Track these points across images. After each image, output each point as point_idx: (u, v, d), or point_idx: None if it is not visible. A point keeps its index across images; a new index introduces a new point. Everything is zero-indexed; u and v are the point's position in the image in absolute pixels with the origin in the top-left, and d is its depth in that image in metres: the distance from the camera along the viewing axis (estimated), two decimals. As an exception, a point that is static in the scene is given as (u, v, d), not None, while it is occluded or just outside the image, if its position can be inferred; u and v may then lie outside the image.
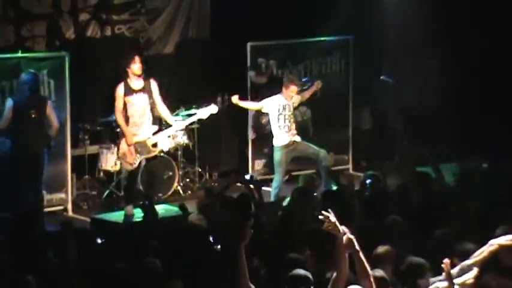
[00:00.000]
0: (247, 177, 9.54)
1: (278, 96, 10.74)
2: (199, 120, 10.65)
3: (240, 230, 5.14)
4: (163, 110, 10.05)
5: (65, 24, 11.71)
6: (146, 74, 9.99)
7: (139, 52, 10.51)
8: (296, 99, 10.88)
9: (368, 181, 9.13)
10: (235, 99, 10.75)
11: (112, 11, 12.07)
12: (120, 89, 9.82)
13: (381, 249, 6.34)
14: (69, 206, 10.72)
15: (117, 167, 10.92)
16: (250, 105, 11.12)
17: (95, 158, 11.20)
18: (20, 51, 10.59)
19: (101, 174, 11.28)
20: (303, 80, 11.68)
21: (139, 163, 10.00)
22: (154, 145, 10.04)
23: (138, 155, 9.93)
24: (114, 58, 10.84)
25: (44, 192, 10.18)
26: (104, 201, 11.03)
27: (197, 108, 11.16)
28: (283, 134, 10.66)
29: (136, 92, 9.87)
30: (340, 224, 5.24)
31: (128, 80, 9.86)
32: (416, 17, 12.30)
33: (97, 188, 11.20)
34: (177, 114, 11.18)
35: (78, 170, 10.96)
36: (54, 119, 9.79)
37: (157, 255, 6.87)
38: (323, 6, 12.17)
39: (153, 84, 9.94)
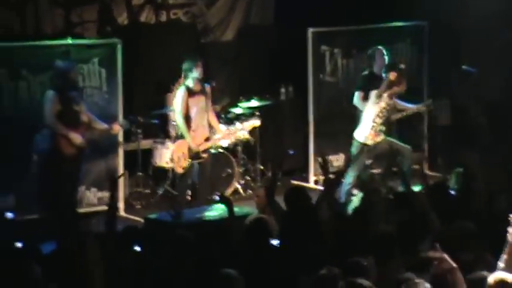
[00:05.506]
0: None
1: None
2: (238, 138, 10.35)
3: None
4: (212, 118, 9.85)
5: (117, 9, 11.43)
6: (204, 68, 9.74)
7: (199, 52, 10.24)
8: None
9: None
10: None
11: (168, -7, 11.78)
12: (182, 91, 9.60)
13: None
14: (121, 205, 10.21)
15: (172, 164, 10.37)
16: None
17: (148, 154, 10.74)
18: (69, 38, 10.13)
19: (155, 171, 10.79)
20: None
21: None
22: (204, 151, 9.72)
23: (190, 159, 9.68)
24: (170, 45, 10.62)
25: (95, 189, 10.02)
26: (158, 200, 10.55)
27: (258, 100, 11.02)
28: (368, 134, 9.91)
29: (196, 94, 9.64)
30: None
31: (187, 82, 9.64)
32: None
33: (150, 186, 10.74)
34: (236, 106, 10.95)
35: (130, 167, 10.49)
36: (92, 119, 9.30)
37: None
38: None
39: (208, 90, 9.76)
